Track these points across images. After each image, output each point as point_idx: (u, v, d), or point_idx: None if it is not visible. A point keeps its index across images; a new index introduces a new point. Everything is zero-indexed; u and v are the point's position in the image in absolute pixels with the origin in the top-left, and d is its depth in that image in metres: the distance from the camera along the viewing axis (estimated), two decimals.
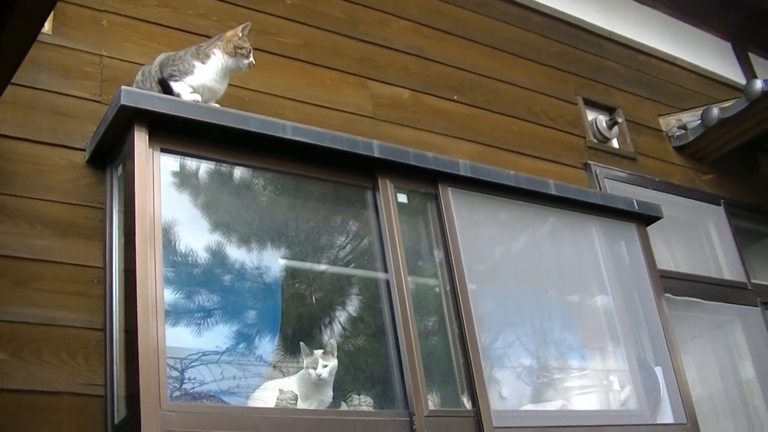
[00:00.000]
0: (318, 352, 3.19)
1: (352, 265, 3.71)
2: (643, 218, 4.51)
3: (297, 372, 3.21)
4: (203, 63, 3.26)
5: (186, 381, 3.03)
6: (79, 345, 2.92)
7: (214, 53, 3.30)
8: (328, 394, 3.19)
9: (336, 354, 3.22)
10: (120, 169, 3.15)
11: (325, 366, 3.16)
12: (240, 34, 3.35)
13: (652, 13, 6.85)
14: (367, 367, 3.47)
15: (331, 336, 3.45)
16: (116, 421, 2.82)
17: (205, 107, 3.18)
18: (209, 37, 3.44)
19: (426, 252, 3.72)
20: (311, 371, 3.14)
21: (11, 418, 2.75)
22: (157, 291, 2.76)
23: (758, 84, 5.38)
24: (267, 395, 3.06)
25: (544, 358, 4.15)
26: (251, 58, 3.37)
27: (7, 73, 2.62)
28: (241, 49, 3.33)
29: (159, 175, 2.96)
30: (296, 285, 3.56)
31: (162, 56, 3.30)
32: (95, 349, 2.94)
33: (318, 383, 3.15)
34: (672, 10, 7.01)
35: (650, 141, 5.78)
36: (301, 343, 3.23)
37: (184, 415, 2.69)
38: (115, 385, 2.88)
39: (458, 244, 3.64)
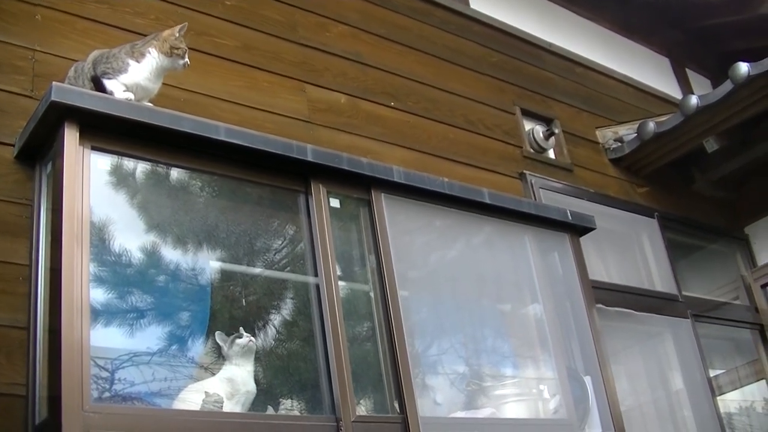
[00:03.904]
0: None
1: (286, 269, 3.70)
2: (577, 229, 4.54)
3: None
4: (138, 62, 3.23)
5: (112, 382, 2.99)
6: (2, 344, 2.87)
7: (149, 52, 3.26)
8: (252, 384, 3.18)
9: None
10: (49, 167, 3.11)
11: (248, 334, 3.22)
12: (177, 34, 3.31)
13: (592, 26, 6.93)
14: (296, 372, 3.46)
15: (264, 339, 3.45)
16: (38, 422, 2.78)
17: (138, 106, 3.14)
18: (145, 36, 3.40)
19: (358, 257, 3.71)
20: (239, 341, 3.19)
21: None
22: (83, 291, 2.72)
23: (693, 100, 5.46)
24: (193, 397, 3.03)
25: (475, 366, 4.16)
26: (186, 59, 3.34)
27: None
28: (177, 49, 3.30)
29: (88, 174, 2.91)
30: (229, 287, 3.54)
31: (95, 53, 3.26)
32: (18, 349, 2.89)
33: (244, 360, 3.17)
34: (612, 25, 7.11)
35: (586, 153, 5.84)
36: (217, 332, 3.23)
37: (107, 416, 2.65)
38: (37, 385, 2.83)
39: (390, 251, 3.63)
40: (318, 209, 3.50)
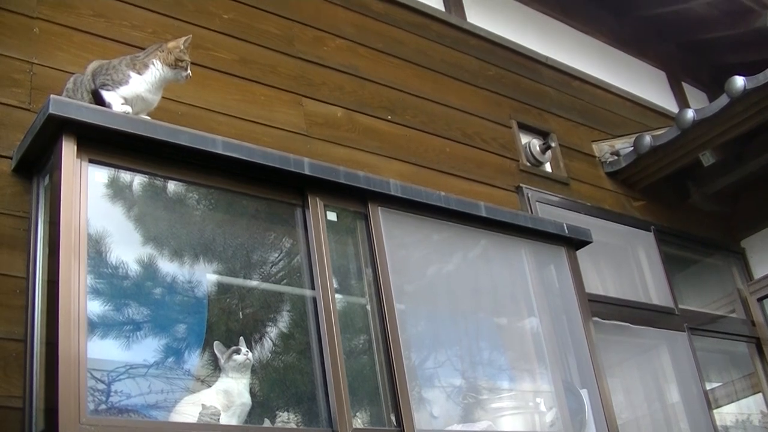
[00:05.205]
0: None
1: (282, 282, 3.70)
2: (573, 242, 4.54)
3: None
4: (139, 73, 3.24)
5: (108, 394, 2.99)
6: None
7: (153, 63, 3.28)
8: (247, 396, 3.17)
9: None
10: (47, 179, 3.11)
11: (247, 349, 3.21)
12: (182, 46, 3.33)
13: (589, 40, 6.95)
14: (293, 384, 3.45)
15: (261, 351, 3.45)
16: None
17: (136, 119, 3.15)
18: (143, 49, 3.41)
19: (355, 271, 3.72)
20: (236, 357, 3.17)
21: None
22: (80, 304, 2.72)
23: (689, 113, 5.47)
24: (189, 409, 3.03)
25: (472, 379, 4.16)
26: (189, 71, 3.36)
27: None
28: (181, 61, 3.32)
29: (86, 187, 2.92)
30: (226, 300, 3.54)
31: (95, 64, 3.26)
32: (15, 361, 2.89)
33: (240, 375, 3.17)
34: (608, 39, 7.13)
35: (583, 166, 5.85)
36: (216, 342, 3.22)
37: (103, 429, 2.65)
38: (34, 397, 2.83)
39: (387, 264, 3.64)
40: (315, 222, 3.50)
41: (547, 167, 5.58)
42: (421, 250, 4.14)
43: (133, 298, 3.19)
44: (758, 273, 6.47)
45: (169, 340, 3.24)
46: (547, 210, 5.20)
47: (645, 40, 7.43)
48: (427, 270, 4.18)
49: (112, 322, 3.07)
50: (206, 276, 3.46)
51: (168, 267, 3.32)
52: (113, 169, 3.15)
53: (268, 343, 3.51)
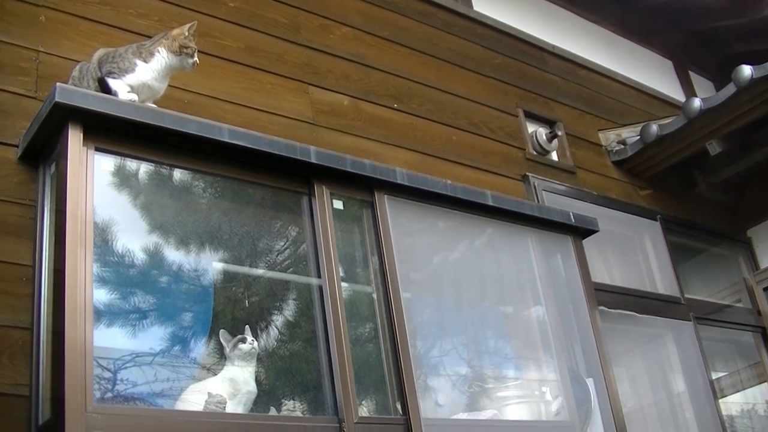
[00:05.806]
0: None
1: (288, 270, 3.70)
2: (580, 231, 4.54)
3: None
4: (146, 61, 3.22)
5: (115, 383, 2.99)
6: (5, 344, 2.86)
7: (158, 51, 3.26)
8: (252, 384, 3.18)
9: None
10: (53, 168, 3.11)
11: (253, 338, 3.21)
12: (186, 33, 3.32)
13: (595, 29, 6.94)
14: (298, 373, 3.46)
15: (267, 340, 3.45)
16: (40, 423, 2.78)
17: (142, 107, 3.14)
18: (149, 37, 3.41)
19: (361, 259, 3.71)
20: (242, 345, 3.18)
21: None
22: (86, 292, 2.72)
23: (696, 102, 5.46)
24: (195, 398, 3.03)
25: (478, 368, 4.17)
26: (195, 58, 3.35)
27: None
28: (186, 48, 3.30)
29: (92, 175, 2.91)
30: (232, 288, 3.54)
31: (101, 52, 3.25)
32: (21, 349, 2.89)
33: (246, 363, 3.17)
34: (615, 27, 7.12)
35: (589, 155, 5.84)
36: (222, 330, 3.22)
37: (109, 417, 2.65)
38: (40, 386, 2.83)
39: (393, 252, 3.64)
40: (321, 211, 3.50)
41: (554, 156, 5.57)
42: (427, 239, 4.14)
43: (139, 287, 3.20)
44: (764, 262, 6.47)
45: (175, 328, 3.24)
46: (554, 199, 5.20)
47: (651, 28, 7.40)
48: (433, 258, 4.18)
49: (118, 311, 3.07)
50: (212, 264, 3.46)
51: (174, 255, 3.32)
52: (119, 157, 3.15)
53: (274, 332, 3.51)
